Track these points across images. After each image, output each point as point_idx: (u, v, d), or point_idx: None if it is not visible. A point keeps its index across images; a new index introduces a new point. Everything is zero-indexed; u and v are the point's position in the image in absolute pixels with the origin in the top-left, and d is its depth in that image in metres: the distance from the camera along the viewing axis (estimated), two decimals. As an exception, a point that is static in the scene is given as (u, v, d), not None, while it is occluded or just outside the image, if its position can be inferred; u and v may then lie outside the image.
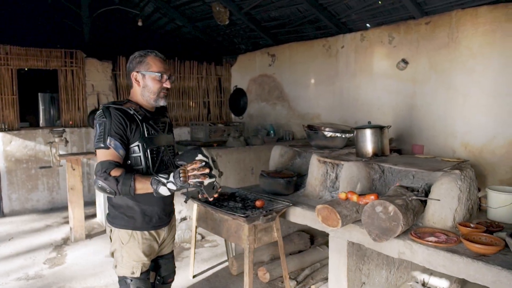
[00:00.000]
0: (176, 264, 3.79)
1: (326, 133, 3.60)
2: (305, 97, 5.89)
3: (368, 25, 4.93)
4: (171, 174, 1.82)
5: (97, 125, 1.87)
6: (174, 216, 2.26)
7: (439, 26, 4.11)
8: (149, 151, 1.97)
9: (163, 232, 2.13)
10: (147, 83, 1.98)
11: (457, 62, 3.99)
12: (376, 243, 2.39)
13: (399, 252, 2.34)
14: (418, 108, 4.36)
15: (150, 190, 1.81)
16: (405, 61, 4.41)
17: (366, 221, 2.32)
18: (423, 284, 3.21)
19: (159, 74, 1.97)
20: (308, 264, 3.58)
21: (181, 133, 6.82)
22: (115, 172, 1.78)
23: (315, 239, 4.04)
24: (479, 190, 2.91)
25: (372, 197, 2.39)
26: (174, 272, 2.36)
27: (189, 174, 1.82)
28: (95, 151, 1.87)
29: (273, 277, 3.40)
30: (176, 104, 6.98)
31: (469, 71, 3.89)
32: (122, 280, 2.01)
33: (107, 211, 2.08)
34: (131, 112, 1.93)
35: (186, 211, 4.44)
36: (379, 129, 3.24)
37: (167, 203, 2.11)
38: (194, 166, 1.84)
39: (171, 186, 1.80)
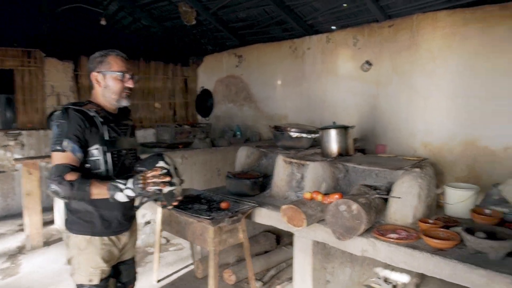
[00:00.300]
0: (140, 269, 3.71)
1: (292, 133, 3.61)
2: (272, 98, 5.90)
3: (333, 27, 5.01)
4: (130, 180, 1.77)
5: (55, 126, 1.80)
6: (135, 221, 2.19)
7: (401, 29, 4.23)
8: (110, 154, 1.90)
9: (124, 237, 2.05)
10: (108, 83, 1.92)
11: (417, 65, 4.12)
12: (340, 241, 2.40)
13: (362, 249, 2.37)
14: (382, 109, 4.47)
15: (106, 196, 1.75)
16: (369, 63, 4.50)
17: (330, 220, 2.33)
18: (385, 280, 3.28)
19: (121, 74, 1.93)
20: (274, 264, 3.58)
21: (146, 135, 6.67)
22: (71, 176, 1.71)
23: (281, 239, 4.04)
24: (437, 187, 3.01)
25: (336, 196, 2.41)
26: (135, 278, 2.28)
27: (148, 181, 1.78)
28: (52, 153, 1.79)
29: (239, 278, 3.37)
30: (141, 105, 6.83)
31: (429, 73, 4.02)
32: None
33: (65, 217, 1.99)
34: (91, 114, 1.87)
35: (151, 214, 4.33)
36: (343, 129, 3.28)
37: (128, 208, 2.04)
38: (154, 173, 1.81)
39: (129, 192, 1.76)
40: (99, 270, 1.91)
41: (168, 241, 4.46)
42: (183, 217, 2.98)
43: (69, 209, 1.94)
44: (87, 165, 1.84)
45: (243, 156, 3.88)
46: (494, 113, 3.62)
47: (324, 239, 2.58)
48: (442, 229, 2.27)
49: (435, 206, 2.84)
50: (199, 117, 7.51)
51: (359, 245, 2.37)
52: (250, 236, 3.62)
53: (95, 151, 1.85)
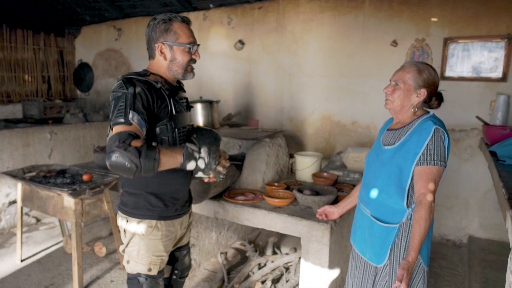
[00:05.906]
0: (3, 250, 3.51)
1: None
2: (153, 74, 5.85)
3: (211, 5, 5.13)
4: (203, 149, 1.62)
5: (116, 98, 1.54)
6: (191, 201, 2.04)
7: (269, 12, 4.55)
8: (177, 131, 1.70)
9: (186, 220, 1.92)
10: (175, 57, 1.70)
11: (283, 46, 4.50)
12: (197, 205, 2.62)
13: (214, 211, 2.62)
14: (254, 85, 4.79)
15: (175, 165, 1.56)
16: (241, 42, 4.76)
17: (184, 186, 2.52)
18: (250, 242, 3.64)
19: (189, 46, 1.71)
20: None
21: (15, 111, 6.10)
22: (136, 143, 1.44)
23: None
24: (291, 156, 3.41)
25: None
26: (190, 265, 2.12)
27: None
28: (112, 128, 1.50)
29: (109, 250, 3.43)
30: (7, 78, 6.18)
31: (292, 53, 4.43)
32: (134, 278, 1.76)
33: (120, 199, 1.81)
34: (158, 86, 1.66)
35: (15, 194, 4.08)
36: (208, 104, 3.49)
37: (189, 184, 1.91)
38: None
39: (201, 163, 1.59)
40: (160, 259, 1.76)
41: (38, 220, 4.27)
42: (44, 191, 2.92)
43: (128, 191, 1.74)
44: (153, 144, 1.54)
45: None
46: (343, 90, 4.17)
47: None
48: (282, 190, 2.62)
49: (287, 172, 3.23)
50: (78, 92, 7.08)
51: (212, 208, 2.62)
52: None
53: (164, 128, 1.65)
